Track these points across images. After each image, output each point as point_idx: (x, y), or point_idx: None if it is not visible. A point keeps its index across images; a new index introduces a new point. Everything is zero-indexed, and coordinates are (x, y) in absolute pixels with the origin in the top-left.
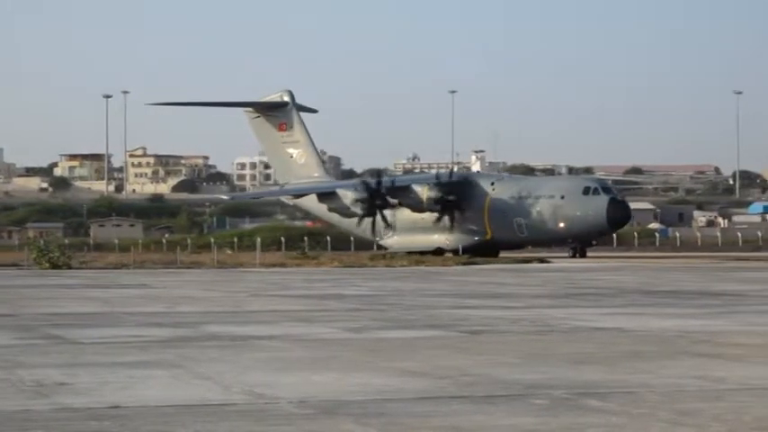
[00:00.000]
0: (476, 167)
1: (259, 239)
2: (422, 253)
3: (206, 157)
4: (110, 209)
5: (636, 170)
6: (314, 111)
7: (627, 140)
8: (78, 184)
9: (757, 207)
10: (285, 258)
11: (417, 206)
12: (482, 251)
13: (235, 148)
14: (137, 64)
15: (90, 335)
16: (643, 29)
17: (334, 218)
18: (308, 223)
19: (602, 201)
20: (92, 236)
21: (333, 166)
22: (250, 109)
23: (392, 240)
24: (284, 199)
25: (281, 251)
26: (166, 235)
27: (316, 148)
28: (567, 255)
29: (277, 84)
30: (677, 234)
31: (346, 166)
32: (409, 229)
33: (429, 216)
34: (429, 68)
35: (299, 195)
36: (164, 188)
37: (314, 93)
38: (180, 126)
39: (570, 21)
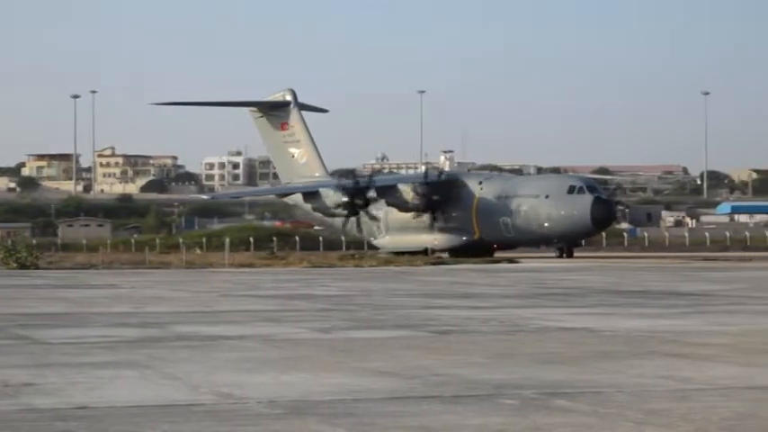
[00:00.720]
0: (445, 167)
1: (228, 240)
2: (412, 253)
3: (174, 158)
4: (78, 209)
5: (603, 170)
6: (323, 110)
7: (595, 141)
8: (46, 183)
9: (725, 207)
10: (254, 258)
11: (403, 206)
12: (474, 251)
13: (203, 148)
14: (106, 63)
15: (58, 335)
16: (611, 30)
17: (318, 217)
18: (278, 223)
19: (586, 200)
20: (60, 236)
21: None
22: (254, 108)
23: (384, 240)
24: (288, 200)
25: (249, 251)
26: (135, 235)
27: (317, 148)
28: (554, 255)
29: (243, 83)
30: (645, 234)
31: None
32: (400, 228)
33: (418, 216)
34: (397, 69)
35: (282, 195)
36: (132, 188)
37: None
38: (148, 126)
39: (538, 21)
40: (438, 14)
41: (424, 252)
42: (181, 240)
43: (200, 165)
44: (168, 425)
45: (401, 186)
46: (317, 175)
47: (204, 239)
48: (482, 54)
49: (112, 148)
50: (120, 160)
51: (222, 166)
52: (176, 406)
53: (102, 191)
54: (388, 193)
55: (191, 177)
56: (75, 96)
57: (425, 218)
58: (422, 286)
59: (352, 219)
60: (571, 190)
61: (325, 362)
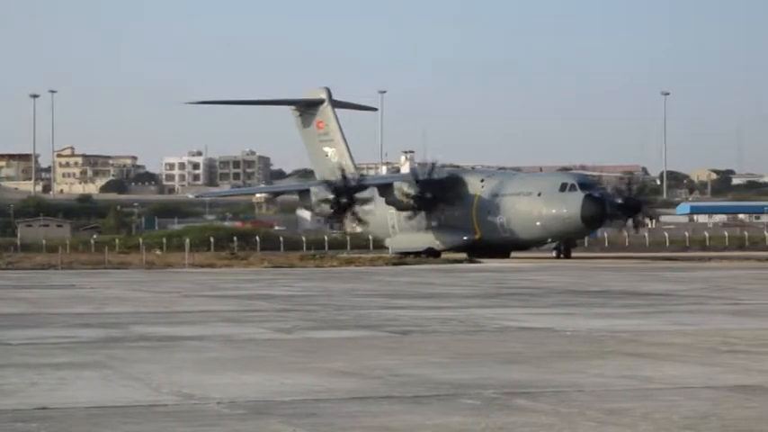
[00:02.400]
0: (405, 168)
1: (188, 240)
2: (417, 254)
3: (134, 158)
4: (37, 209)
5: (564, 171)
6: (372, 109)
7: (556, 141)
8: (5, 184)
9: (684, 208)
10: (214, 259)
11: (399, 205)
12: (484, 252)
13: (163, 148)
14: (63, 62)
15: (17, 336)
16: (571, 29)
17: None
18: (238, 224)
19: (576, 198)
20: (19, 236)
21: (262, 166)
22: (294, 107)
23: (393, 240)
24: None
25: (210, 252)
26: (95, 235)
27: (348, 147)
28: (552, 255)
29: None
30: (605, 234)
31: (275, 166)
32: (408, 228)
33: (411, 216)
34: (358, 69)
35: (277, 194)
36: (92, 188)
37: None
38: (108, 126)
39: (497, 23)
40: (400, 15)
41: (432, 253)
42: (141, 241)
43: (161, 165)
44: (129, 426)
45: (395, 184)
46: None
47: (164, 240)
48: (443, 55)
49: (72, 148)
50: (80, 160)
51: (182, 166)
52: (137, 407)
53: (61, 191)
54: (387, 192)
55: (151, 177)
56: (35, 96)
57: (418, 217)
58: (382, 286)
59: (338, 217)
60: (563, 188)
61: (285, 362)
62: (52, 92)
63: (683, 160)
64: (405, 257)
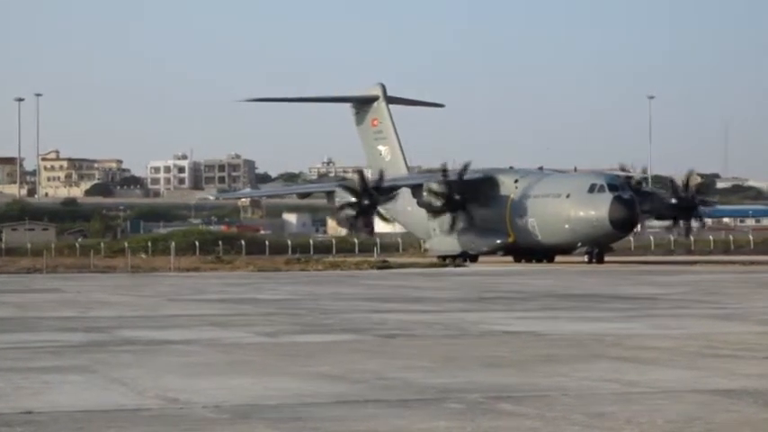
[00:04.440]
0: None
1: (173, 244)
2: (454, 257)
3: (119, 161)
4: (22, 213)
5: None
6: (440, 105)
7: (539, 142)
8: None
9: None
10: (200, 263)
11: (429, 206)
12: (526, 255)
13: (149, 151)
14: (49, 66)
15: (3, 340)
16: (557, 31)
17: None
18: (223, 228)
19: (604, 199)
20: (4, 240)
21: (247, 170)
22: (351, 105)
23: (432, 242)
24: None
25: (195, 255)
26: (80, 239)
27: (401, 145)
28: (584, 260)
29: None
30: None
31: (261, 170)
32: (444, 231)
33: (436, 217)
34: (339, 73)
35: (305, 195)
36: (77, 192)
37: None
38: (93, 129)
39: (475, 23)
40: (377, 15)
41: (467, 257)
42: (126, 244)
43: (146, 168)
44: (114, 430)
45: (425, 185)
46: (401, 174)
47: (150, 244)
48: (421, 57)
49: (57, 152)
50: (65, 164)
51: (168, 169)
52: (122, 411)
53: (46, 194)
54: (418, 194)
55: (136, 181)
56: (20, 99)
57: (450, 219)
58: (368, 290)
59: (361, 218)
60: (592, 189)
61: (271, 366)
62: (38, 95)
63: (668, 164)
64: (443, 261)
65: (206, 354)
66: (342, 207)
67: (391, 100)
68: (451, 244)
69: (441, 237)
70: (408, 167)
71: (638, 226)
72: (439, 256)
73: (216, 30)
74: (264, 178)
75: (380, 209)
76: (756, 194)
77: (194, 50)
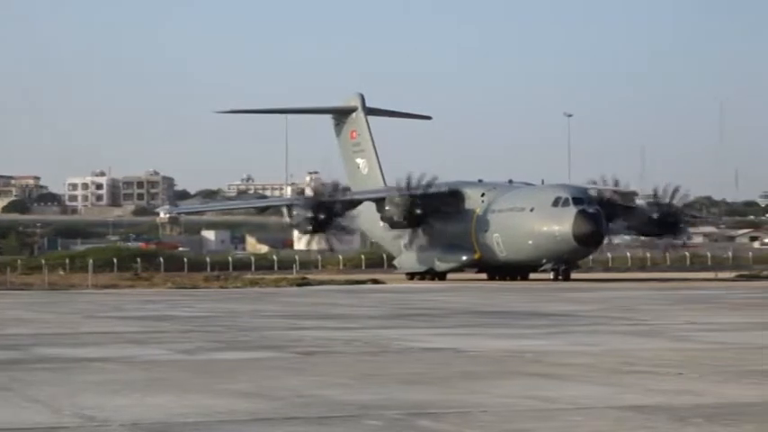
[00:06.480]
0: (309, 190)
1: (91, 261)
2: (422, 275)
3: (37, 178)
4: None
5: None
6: (427, 117)
7: (458, 158)
8: None
9: None
10: (118, 280)
11: (390, 221)
12: (501, 272)
13: (66, 168)
14: None
15: None
16: (477, 48)
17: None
18: (142, 245)
19: (568, 213)
20: None
21: (166, 187)
22: (332, 116)
23: (400, 260)
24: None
25: (113, 273)
26: None
27: (378, 158)
28: (550, 277)
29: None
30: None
31: (179, 186)
32: (413, 247)
33: (399, 233)
34: (261, 89)
35: (264, 208)
36: None
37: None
38: (10, 146)
39: (395, 42)
40: (299, 32)
41: (437, 274)
42: (43, 261)
43: (64, 185)
44: None
45: (387, 199)
46: (377, 187)
47: (67, 260)
48: (348, 73)
49: None
50: None
51: (86, 186)
52: (39, 429)
53: None
54: (381, 208)
55: (53, 198)
56: None
57: (412, 235)
58: (286, 307)
59: (316, 235)
60: (556, 202)
61: (189, 384)
62: None
63: (587, 179)
64: (411, 278)
65: (123, 371)
66: (298, 222)
67: (372, 111)
68: (420, 260)
69: (408, 253)
70: (385, 181)
71: (605, 241)
72: (407, 274)
73: (135, 41)
74: (183, 195)
75: (345, 223)
76: None
77: (115, 66)
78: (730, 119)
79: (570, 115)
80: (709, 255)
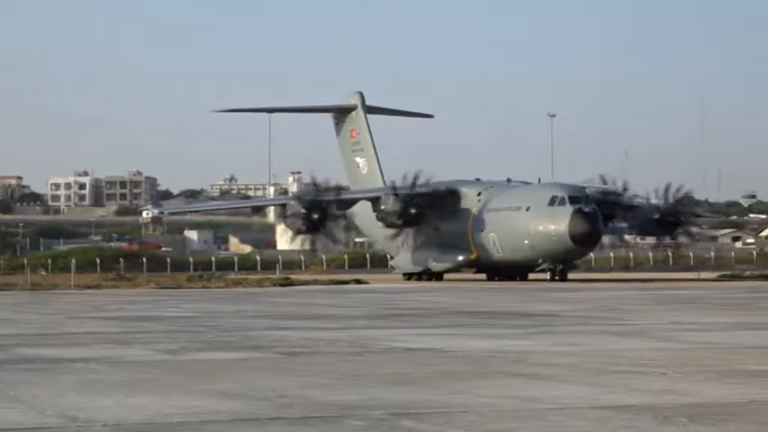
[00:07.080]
0: (293, 189)
1: (74, 261)
2: (419, 275)
3: (19, 177)
4: None
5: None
6: (428, 116)
7: (459, 157)
8: None
9: None
10: (101, 280)
11: (385, 221)
12: (499, 273)
13: (49, 168)
14: None
15: None
16: (461, 45)
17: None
18: (125, 245)
19: (564, 213)
20: None
21: (149, 186)
22: (332, 115)
23: (397, 260)
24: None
25: (96, 273)
26: None
27: (378, 157)
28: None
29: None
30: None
31: (162, 186)
32: (409, 246)
33: (396, 234)
34: (245, 90)
35: (258, 208)
36: None
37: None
38: None
39: (373, 44)
40: (285, 30)
41: (433, 275)
42: (26, 261)
43: (46, 185)
44: None
45: (382, 199)
46: (377, 186)
47: (50, 261)
48: (330, 73)
49: None
50: None
51: (68, 186)
52: (21, 429)
53: None
54: (376, 208)
55: (36, 197)
56: None
57: (407, 235)
58: (269, 307)
59: (311, 235)
60: (552, 201)
61: (172, 384)
62: None
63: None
64: (408, 278)
65: (107, 372)
66: (293, 222)
67: (372, 110)
68: (416, 261)
69: (404, 253)
70: (385, 181)
71: (602, 241)
72: (404, 274)
73: (119, 40)
74: (166, 195)
75: (345, 223)
76: None
77: (100, 65)
78: (712, 119)
79: (554, 115)
80: (691, 255)
